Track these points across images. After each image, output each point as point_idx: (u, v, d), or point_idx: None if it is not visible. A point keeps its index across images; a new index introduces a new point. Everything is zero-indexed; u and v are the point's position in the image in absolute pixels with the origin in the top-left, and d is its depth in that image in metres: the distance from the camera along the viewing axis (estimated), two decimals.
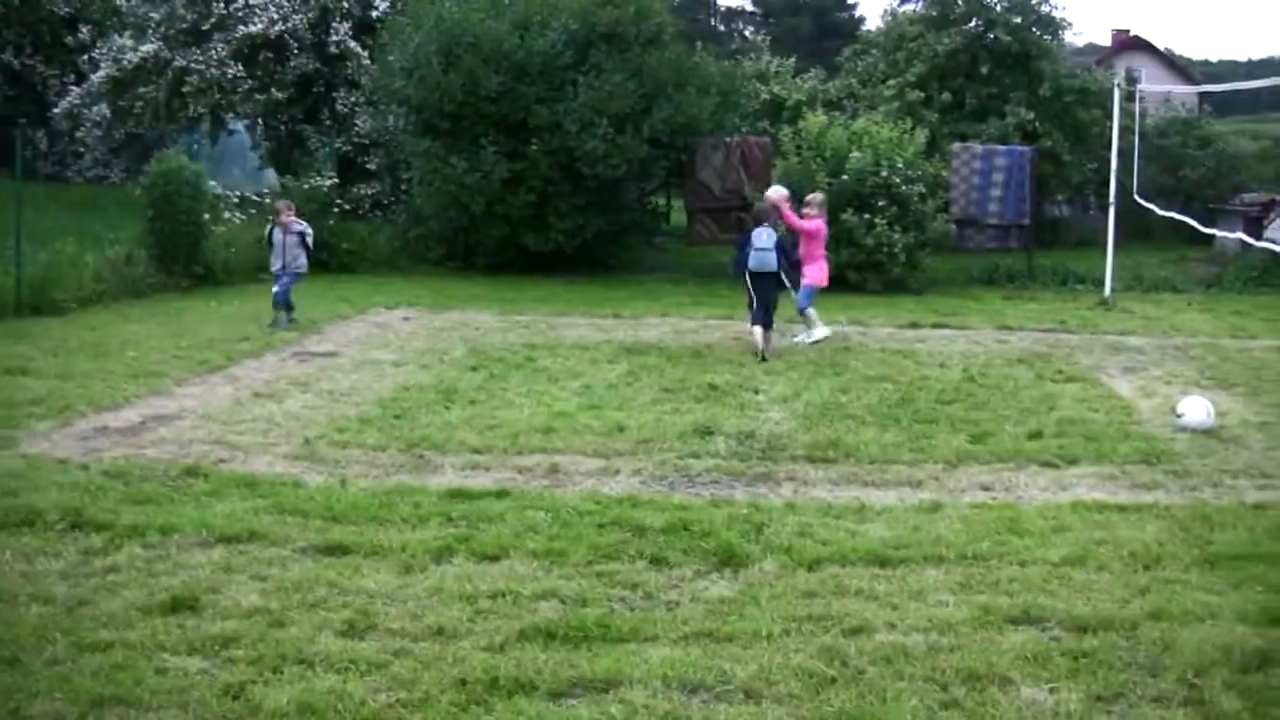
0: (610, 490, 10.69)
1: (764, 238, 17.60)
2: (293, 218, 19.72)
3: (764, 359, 16.99)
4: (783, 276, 17.67)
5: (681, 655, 7.20)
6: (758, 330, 17.43)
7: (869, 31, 43.15)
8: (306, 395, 14.36)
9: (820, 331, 18.53)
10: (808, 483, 11.13)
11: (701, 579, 8.55)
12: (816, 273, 18.77)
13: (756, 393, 14.70)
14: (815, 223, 18.82)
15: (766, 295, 17.59)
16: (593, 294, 23.78)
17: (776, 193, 19.09)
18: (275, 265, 19.56)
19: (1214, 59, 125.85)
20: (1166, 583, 8.50)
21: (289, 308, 19.28)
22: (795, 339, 18.57)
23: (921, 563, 8.89)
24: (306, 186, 26.39)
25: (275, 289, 19.28)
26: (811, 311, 18.69)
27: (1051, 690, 6.84)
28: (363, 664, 7.02)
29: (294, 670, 6.94)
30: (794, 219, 18.58)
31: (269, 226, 19.94)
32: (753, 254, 17.55)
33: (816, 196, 19.55)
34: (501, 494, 10.42)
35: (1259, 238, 25.65)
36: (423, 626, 7.57)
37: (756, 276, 17.59)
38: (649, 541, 9.20)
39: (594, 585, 8.32)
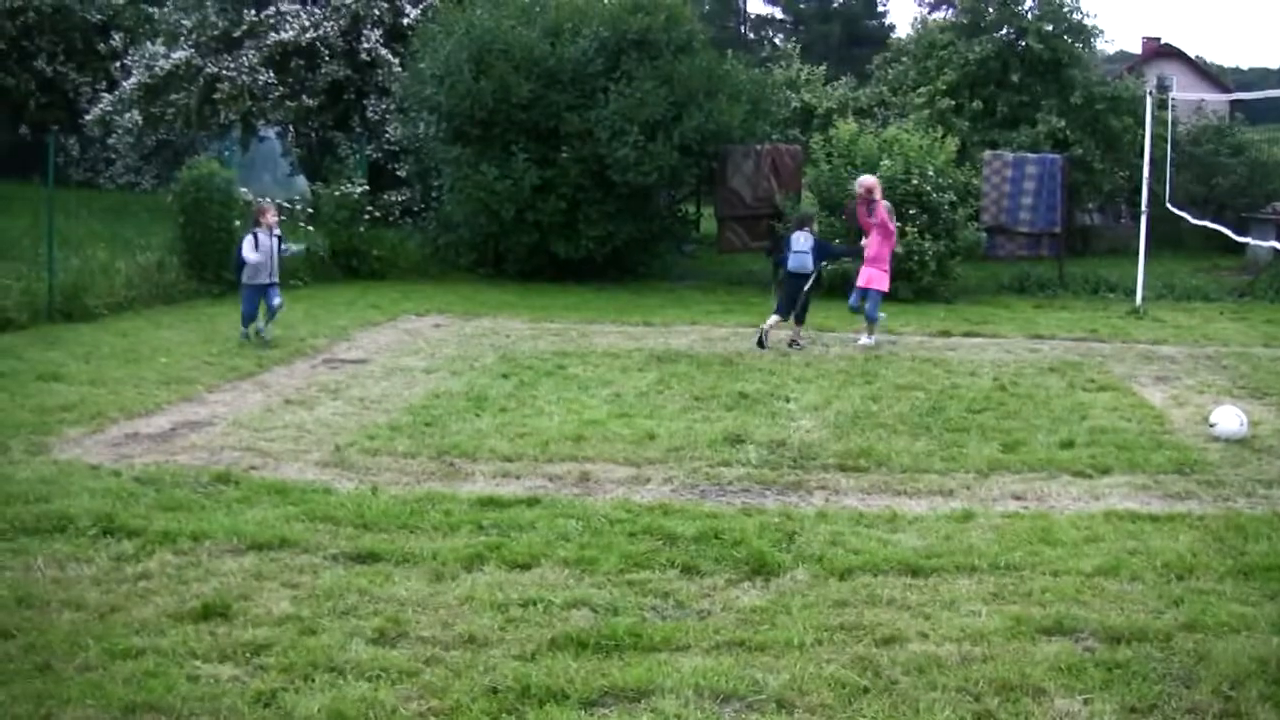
0: (641, 498, 10.66)
1: (801, 241, 18.56)
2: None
3: (761, 344, 18.27)
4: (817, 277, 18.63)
5: (713, 664, 7.17)
6: (774, 318, 18.60)
7: (899, 39, 43.13)
8: (337, 402, 14.36)
9: (877, 337, 18.94)
10: (839, 491, 11.10)
11: (733, 588, 8.52)
12: (879, 277, 18.94)
13: (787, 401, 14.66)
14: (882, 210, 18.87)
15: (795, 293, 18.57)
16: (623, 301, 23.80)
17: (870, 179, 19.34)
18: (266, 276, 18.09)
19: (1245, 66, 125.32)
20: (1200, 593, 8.44)
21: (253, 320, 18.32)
22: (858, 341, 18.91)
23: (954, 572, 8.85)
24: (337, 193, 26.44)
25: (277, 301, 18.21)
26: (882, 317, 19.16)
27: (1085, 702, 6.80)
28: (394, 672, 7.01)
29: (325, 678, 6.93)
30: (884, 213, 18.78)
31: (250, 232, 18.29)
32: (791, 256, 18.60)
33: (873, 182, 19.46)
34: (532, 502, 10.40)
35: None
36: (454, 634, 7.56)
37: (792, 276, 18.58)
38: (680, 550, 9.17)
39: (625, 594, 8.29)
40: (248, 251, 17.93)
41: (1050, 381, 16.21)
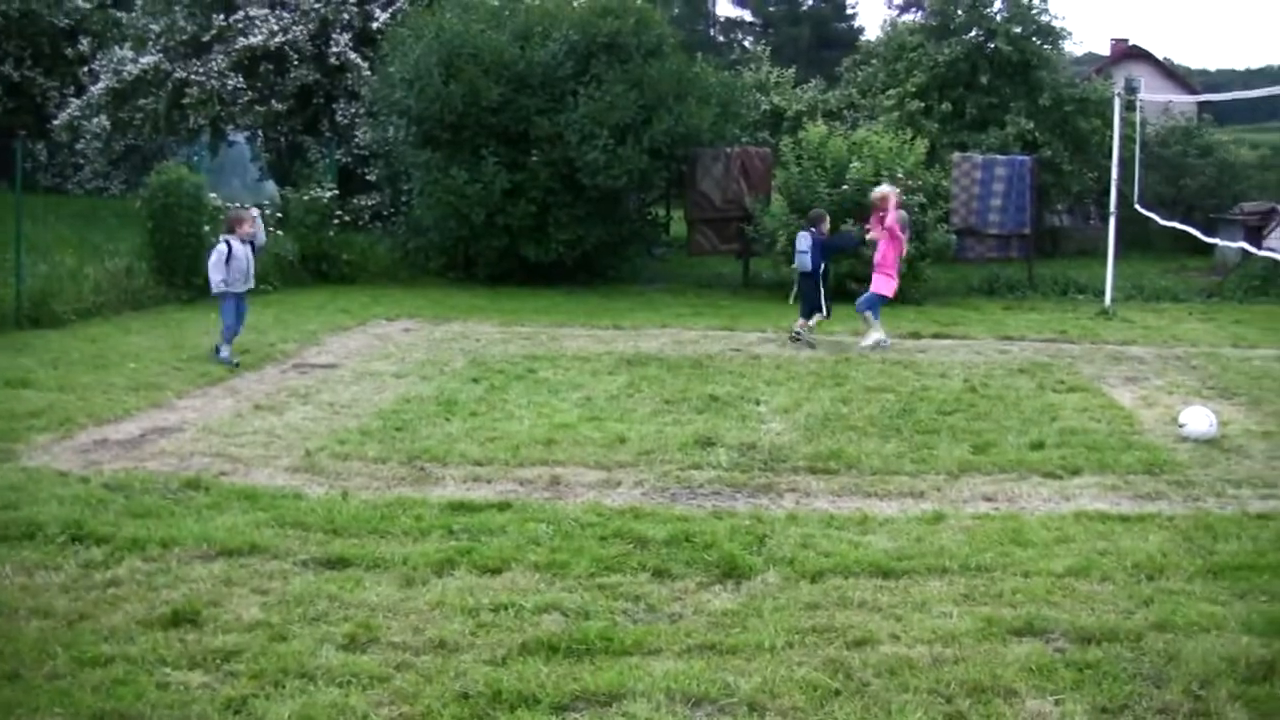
0: (612, 502, 10.66)
1: (802, 241, 19.26)
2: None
3: (797, 336, 19.27)
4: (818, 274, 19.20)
5: (685, 668, 7.17)
6: (801, 321, 19.37)
7: (869, 41, 43.20)
8: (307, 407, 14.33)
9: (875, 335, 19.13)
10: (810, 494, 11.11)
11: (704, 591, 8.52)
12: (884, 282, 19.26)
13: (757, 403, 14.68)
14: (891, 217, 19.13)
15: (806, 292, 19.34)
16: (593, 305, 23.79)
17: (885, 189, 19.77)
18: (245, 285, 17.45)
19: (1212, 68, 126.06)
20: (1170, 593, 8.48)
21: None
22: (863, 344, 19.12)
23: (925, 574, 8.86)
24: (307, 198, 26.39)
25: (243, 309, 17.69)
26: (870, 316, 19.29)
27: (1057, 702, 6.81)
28: (364, 678, 6.99)
29: (296, 684, 6.91)
30: (894, 222, 19.03)
31: (225, 241, 17.34)
32: (795, 256, 19.49)
33: (891, 190, 19.82)
34: (503, 506, 10.38)
35: (1259, 246, 25.64)
36: (425, 640, 7.54)
37: (801, 276, 19.44)
38: (651, 553, 9.17)
39: (596, 598, 8.28)
40: (214, 268, 17.09)
41: (1020, 383, 16.25)
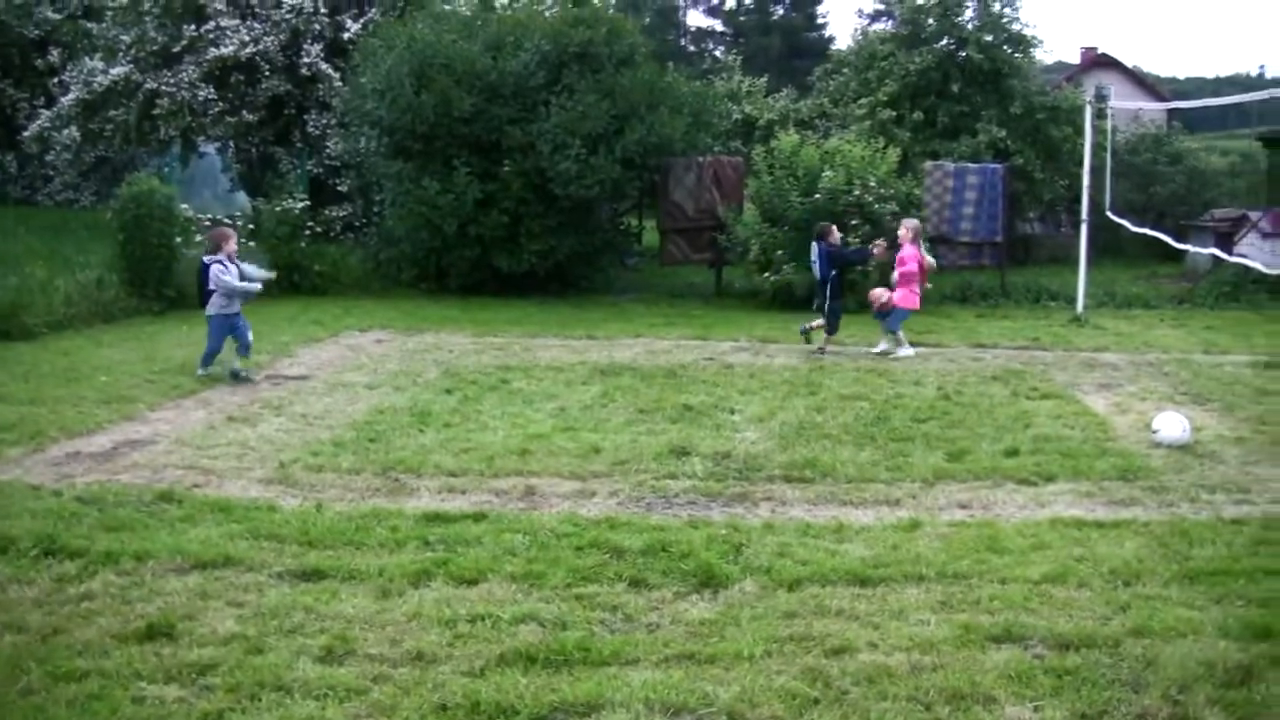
0: (588, 512, 10.64)
1: (813, 252, 19.68)
2: None
3: (807, 339, 19.83)
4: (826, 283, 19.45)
5: (663, 678, 7.16)
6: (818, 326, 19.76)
7: (840, 51, 43.18)
8: (280, 419, 14.28)
9: (905, 351, 19.37)
10: (785, 502, 11.11)
11: (682, 600, 8.51)
12: (906, 296, 19.58)
13: (732, 413, 14.67)
14: (905, 250, 19.71)
15: (820, 302, 19.77)
16: (566, 315, 23.75)
17: (910, 222, 20.42)
18: (237, 305, 16.85)
19: (1181, 76, 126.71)
20: (1147, 599, 8.50)
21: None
22: (874, 350, 19.54)
23: (902, 582, 8.87)
24: (278, 209, 26.31)
25: (250, 335, 17.08)
26: (901, 334, 19.60)
27: (1036, 709, 6.81)
28: (341, 690, 6.97)
29: (272, 697, 6.88)
30: (908, 252, 19.62)
31: (217, 260, 16.72)
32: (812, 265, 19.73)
33: (908, 223, 20.31)
34: (478, 517, 10.36)
35: (1230, 253, 25.77)
36: (401, 651, 7.52)
37: (817, 285, 19.87)
38: (628, 563, 9.16)
39: (573, 608, 8.27)
40: (226, 290, 16.56)
41: (994, 390, 16.27)
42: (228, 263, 16.76)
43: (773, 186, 25.11)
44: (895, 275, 19.71)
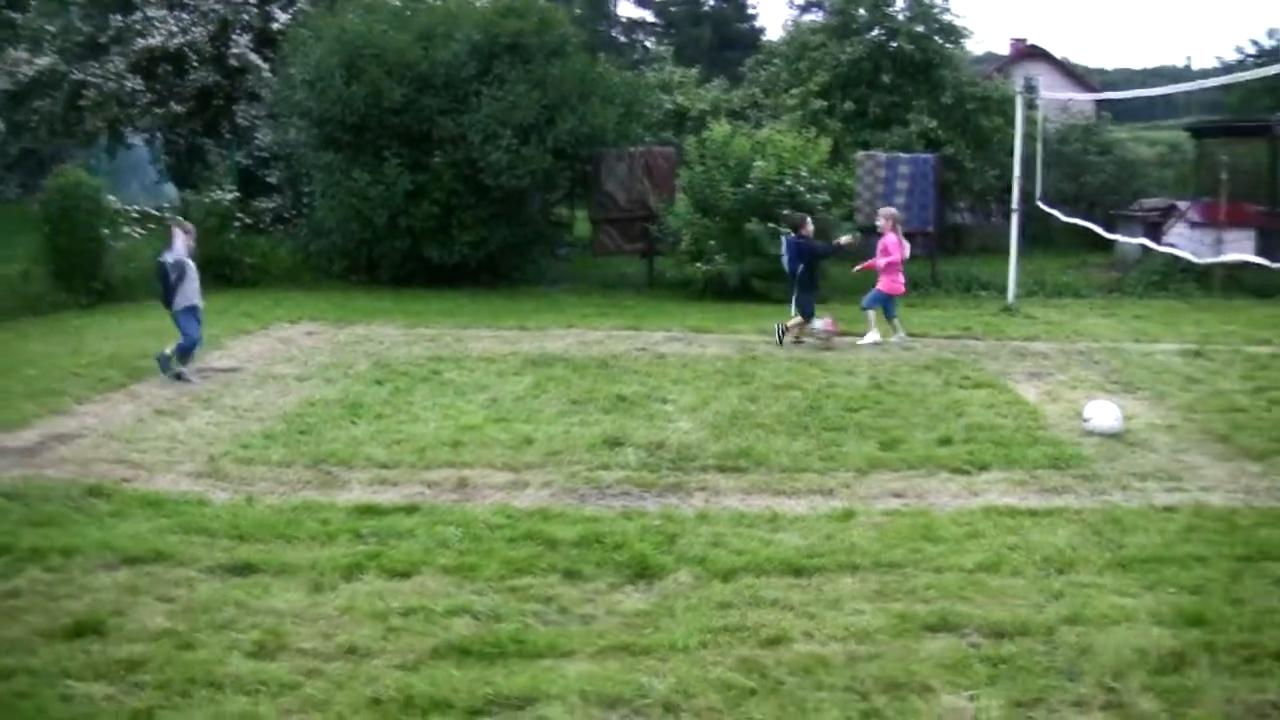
0: (520, 503, 10.61)
1: (784, 244, 19.77)
2: None
3: (797, 340, 19.43)
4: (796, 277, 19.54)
5: (598, 670, 7.13)
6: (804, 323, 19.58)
7: (771, 41, 43.21)
8: (210, 412, 14.16)
9: (872, 336, 19.60)
10: (719, 492, 11.11)
11: (616, 592, 8.49)
12: (888, 282, 19.92)
13: (665, 402, 14.65)
14: (888, 239, 20.03)
15: (789, 292, 19.93)
16: (497, 306, 23.64)
17: (887, 209, 21.01)
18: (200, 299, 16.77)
19: (1109, 68, 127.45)
20: (1081, 587, 8.56)
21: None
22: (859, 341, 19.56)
23: (836, 571, 8.88)
24: (207, 200, 26.09)
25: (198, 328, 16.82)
26: (871, 315, 19.77)
27: (972, 698, 6.83)
28: (274, 685, 6.91)
29: (203, 694, 6.82)
30: (888, 241, 19.99)
31: (176, 255, 16.45)
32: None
33: (884, 210, 20.89)
34: (411, 509, 10.31)
35: (1159, 242, 25.91)
36: (334, 646, 7.46)
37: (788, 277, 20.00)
38: (561, 555, 9.13)
39: (507, 600, 8.23)
40: (192, 290, 16.44)
41: (926, 379, 16.32)
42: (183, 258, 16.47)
43: (704, 177, 25.07)
44: (881, 264, 19.85)
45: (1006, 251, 24.51)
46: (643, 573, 8.83)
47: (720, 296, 24.20)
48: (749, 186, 24.22)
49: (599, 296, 25.49)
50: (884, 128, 32.94)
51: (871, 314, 19.64)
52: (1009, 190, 25.10)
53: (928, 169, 27.28)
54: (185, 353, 16.43)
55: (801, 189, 24.29)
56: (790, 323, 19.42)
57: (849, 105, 33.40)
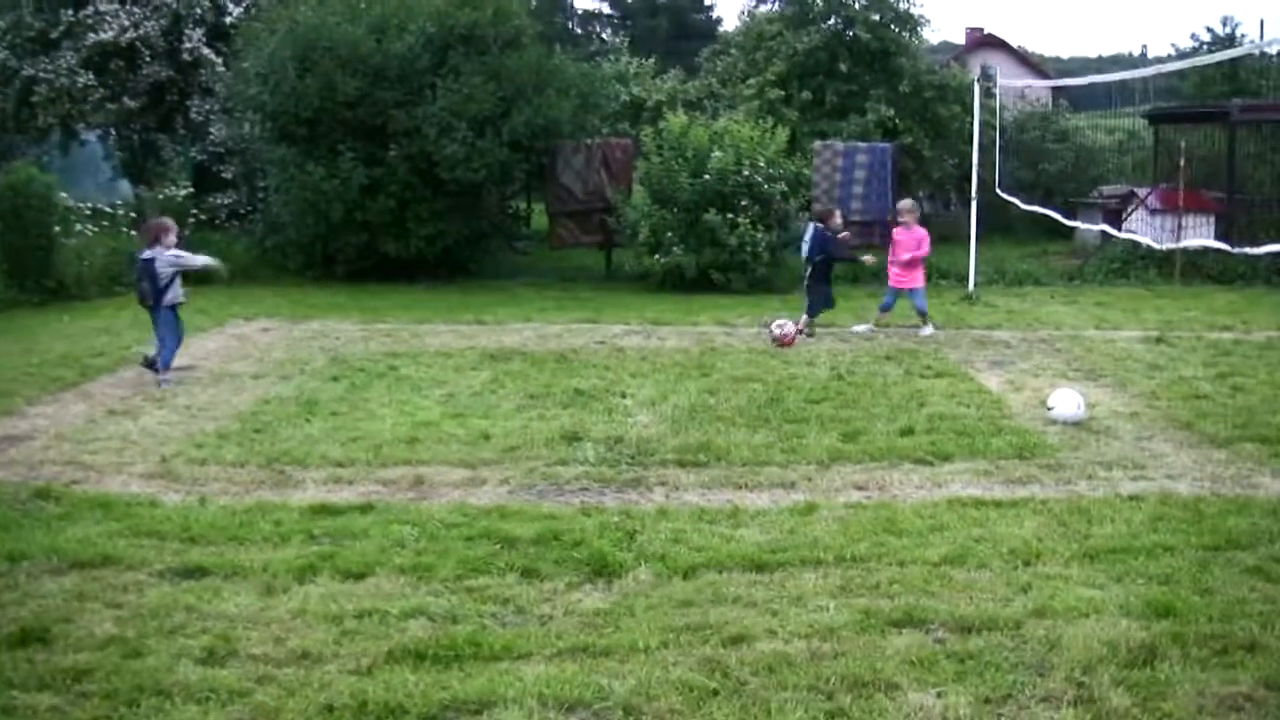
0: (478, 501, 10.46)
1: (807, 231, 19.83)
2: None
3: (808, 334, 19.26)
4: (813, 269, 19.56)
5: (557, 672, 6.98)
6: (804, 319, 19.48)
7: (727, 32, 43.11)
8: (163, 411, 13.97)
9: (927, 330, 19.76)
10: (679, 487, 10.96)
11: (575, 591, 8.35)
12: (919, 276, 20.17)
13: (623, 396, 14.51)
14: (918, 230, 20.18)
15: (808, 285, 19.77)
16: (454, 300, 23.49)
17: (905, 202, 21.05)
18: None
19: (1065, 56, 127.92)
20: (1048, 579, 8.45)
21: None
22: (921, 333, 19.70)
23: (799, 566, 8.75)
24: (161, 197, 25.88)
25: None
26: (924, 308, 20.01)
27: (939, 695, 6.70)
28: (224, 693, 6.74)
29: (151, 703, 6.64)
30: (919, 231, 20.10)
31: (162, 251, 16.05)
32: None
33: (909, 204, 20.96)
34: (366, 508, 10.15)
35: (1119, 229, 25.94)
36: (286, 651, 7.29)
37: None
38: (519, 553, 8.98)
39: (464, 601, 8.08)
40: (188, 259, 16.29)
41: (887, 369, 16.24)
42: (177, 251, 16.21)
43: (662, 168, 24.95)
44: (906, 257, 19.84)
45: (966, 240, 24.50)
46: (602, 571, 8.68)
47: (679, 289, 24.11)
48: (706, 177, 24.13)
49: (557, 289, 25.38)
50: (841, 117, 32.85)
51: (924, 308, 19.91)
52: (968, 179, 25.10)
53: (885, 158, 27.24)
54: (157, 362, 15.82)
55: (759, 179, 24.23)
56: (799, 322, 19.29)
57: (806, 95, 33.28)
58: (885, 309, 20.06)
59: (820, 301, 19.53)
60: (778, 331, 18.41)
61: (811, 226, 19.85)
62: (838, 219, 19.93)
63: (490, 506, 10.25)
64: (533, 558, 8.91)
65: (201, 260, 16.79)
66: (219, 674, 6.98)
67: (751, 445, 12.18)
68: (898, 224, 20.31)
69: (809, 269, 19.52)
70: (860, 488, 10.91)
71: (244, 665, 7.12)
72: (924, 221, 23.69)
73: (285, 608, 7.96)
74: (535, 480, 11.13)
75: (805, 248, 19.60)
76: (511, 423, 13.18)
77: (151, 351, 15.98)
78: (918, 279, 19.93)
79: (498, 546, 9.15)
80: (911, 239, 19.84)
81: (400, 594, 8.20)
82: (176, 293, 16.10)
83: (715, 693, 6.75)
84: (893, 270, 20.02)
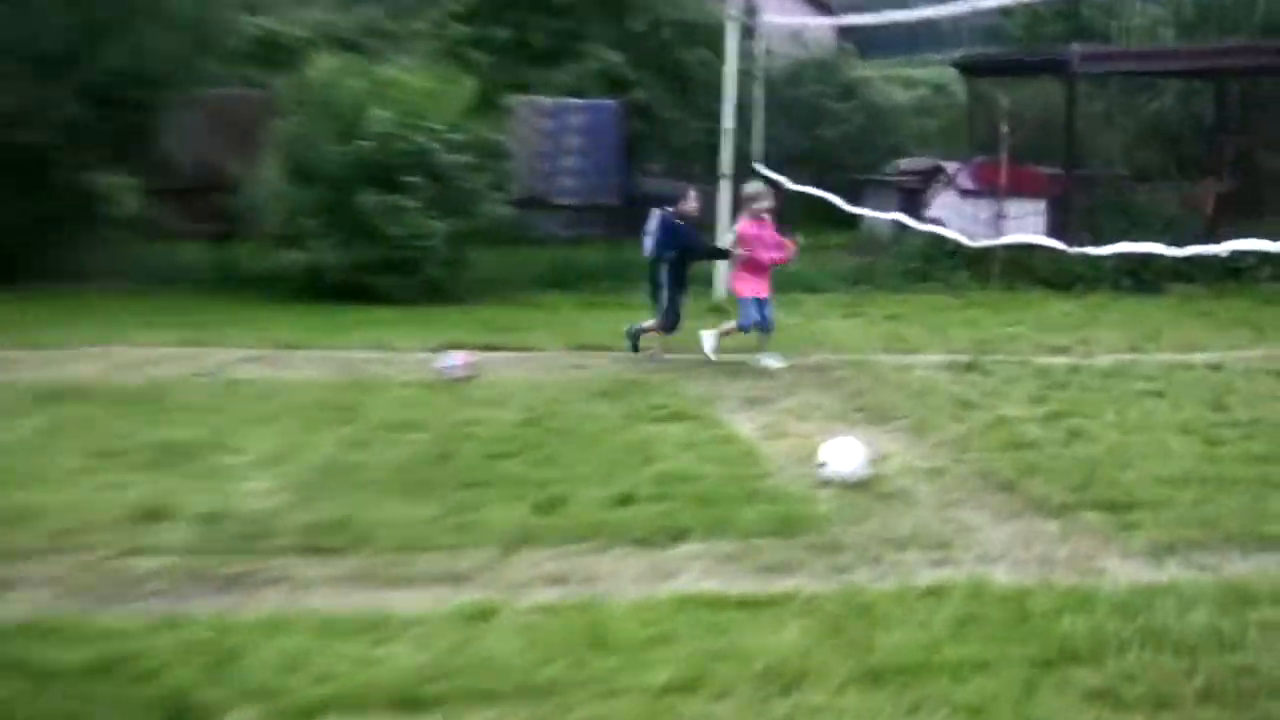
0: (6, 613, 9.85)
1: (652, 220, 19.89)
2: None
3: (634, 348, 19.99)
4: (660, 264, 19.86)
5: None
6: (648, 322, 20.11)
7: None
8: None
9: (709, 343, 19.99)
10: (303, 585, 10.55)
11: None
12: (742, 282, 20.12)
13: (232, 453, 14.10)
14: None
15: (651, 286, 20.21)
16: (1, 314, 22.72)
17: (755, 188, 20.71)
18: None
19: None
20: (816, 712, 8.21)
21: None
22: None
23: (467, 701, 8.37)
24: None
25: None
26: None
27: None
28: None
29: None
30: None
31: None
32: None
33: (762, 189, 20.67)
34: None
35: (919, 217, 26.18)
36: None
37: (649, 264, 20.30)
38: (55, 695, 8.40)
39: None
40: None
41: (602, 410, 16.18)
42: None
43: (301, 130, 24.74)
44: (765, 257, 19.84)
45: (714, 230, 24.55)
46: (181, 716, 8.17)
47: (321, 297, 23.96)
48: (362, 144, 23.92)
49: (151, 298, 25.14)
50: (551, 64, 32.88)
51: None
52: (717, 149, 25.14)
53: (609, 120, 27.31)
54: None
55: (436, 147, 24.09)
56: (646, 324, 19.67)
57: (503, 33, 33.23)
58: (766, 328, 19.90)
59: (675, 310, 19.72)
60: (450, 364, 18.13)
61: (658, 214, 19.78)
62: (692, 202, 19.97)
63: (21, 621, 9.65)
64: (77, 700, 8.33)
65: None
66: None
67: (408, 522, 11.85)
68: (747, 217, 20.11)
69: (658, 269, 19.65)
70: (557, 581, 10.61)
71: None
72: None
73: None
74: (93, 579, 10.58)
75: (649, 241, 19.68)
76: (67, 493, 12.59)
77: None
78: (765, 286, 19.89)
79: (25, 685, 8.55)
80: (770, 236, 19.87)
81: None
82: None
83: None
84: (742, 276, 19.98)
